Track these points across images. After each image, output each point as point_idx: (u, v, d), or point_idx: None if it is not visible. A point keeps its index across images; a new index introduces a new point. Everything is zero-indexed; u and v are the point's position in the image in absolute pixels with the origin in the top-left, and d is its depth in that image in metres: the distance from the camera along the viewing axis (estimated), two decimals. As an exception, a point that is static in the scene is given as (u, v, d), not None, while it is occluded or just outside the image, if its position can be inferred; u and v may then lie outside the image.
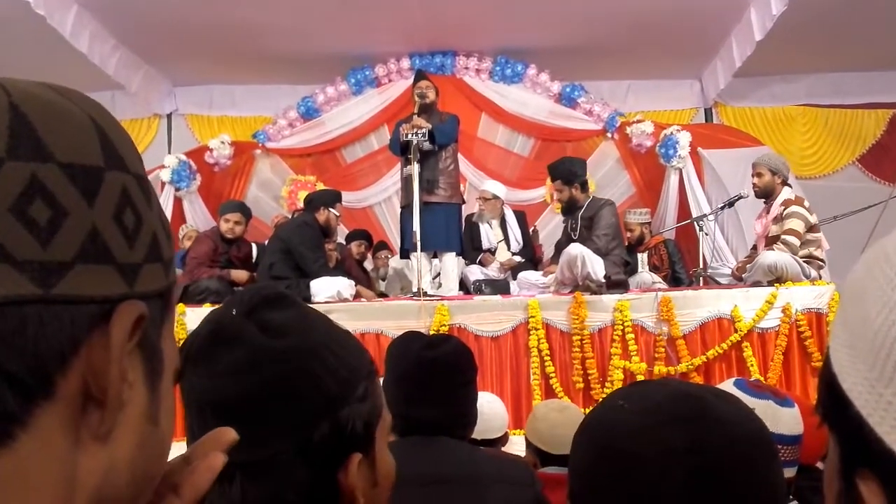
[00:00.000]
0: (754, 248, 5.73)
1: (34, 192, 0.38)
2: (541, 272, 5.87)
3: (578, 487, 0.86)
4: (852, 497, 0.51)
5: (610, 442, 0.83)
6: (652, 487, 0.78)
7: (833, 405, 0.53)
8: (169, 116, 8.47)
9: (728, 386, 1.71)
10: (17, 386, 0.37)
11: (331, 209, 5.84)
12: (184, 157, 7.58)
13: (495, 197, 6.59)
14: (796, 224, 5.17)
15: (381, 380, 1.55)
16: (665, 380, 0.93)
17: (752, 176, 5.51)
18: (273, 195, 8.18)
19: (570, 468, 0.89)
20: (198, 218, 7.61)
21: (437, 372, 1.63)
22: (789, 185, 5.46)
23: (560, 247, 5.89)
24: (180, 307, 5.12)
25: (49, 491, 0.39)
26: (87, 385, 0.40)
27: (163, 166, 7.42)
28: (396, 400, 1.50)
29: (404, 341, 1.75)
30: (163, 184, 7.38)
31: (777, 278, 5.04)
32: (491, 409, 3.01)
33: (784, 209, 5.24)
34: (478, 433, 2.89)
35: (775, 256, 5.05)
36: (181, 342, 0.77)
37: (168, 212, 7.37)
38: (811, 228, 5.24)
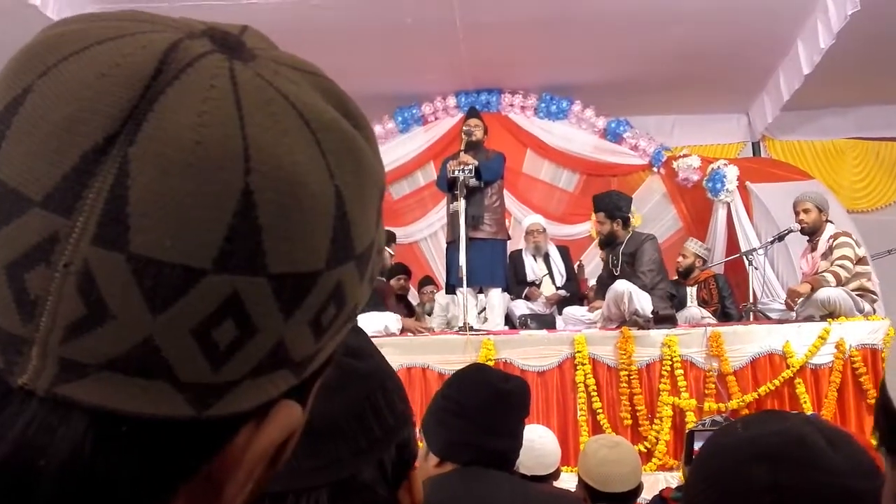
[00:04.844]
0: (802, 288, 5.66)
1: (227, 312, 0.31)
2: (586, 308, 5.84)
3: None
4: None
5: (703, 467, 0.88)
6: None
7: (889, 428, 0.54)
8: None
9: None
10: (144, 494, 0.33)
11: (385, 248, 5.95)
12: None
13: (545, 229, 6.65)
14: (847, 251, 5.12)
15: (441, 409, 1.58)
16: (800, 416, 0.93)
17: (798, 213, 5.45)
18: (321, 232, 8.30)
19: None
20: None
21: (512, 404, 1.66)
22: (831, 221, 5.43)
23: (602, 282, 5.87)
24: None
25: None
26: (210, 472, 0.35)
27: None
28: (470, 430, 1.53)
29: (478, 372, 1.74)
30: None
31: (830, 313, 4.95)
32: (543, 444, 3.00)
33: (833, 241, 5.19)
34: (529, 469, 2.88)
35: (828, 291, 4.96)
36: None
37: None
38: (860, 261, 5.16)
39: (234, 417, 0.34)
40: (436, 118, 8.02)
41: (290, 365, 0.34)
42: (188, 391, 0.31)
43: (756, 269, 5.94)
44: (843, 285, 5.06)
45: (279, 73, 0.34)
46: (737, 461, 0.83)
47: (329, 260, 0.33)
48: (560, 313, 6.04)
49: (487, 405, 1.61)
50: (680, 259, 6.52)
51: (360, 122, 0.37)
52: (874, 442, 0.60)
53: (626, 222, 5.68)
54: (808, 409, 4.66)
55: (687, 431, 3.63)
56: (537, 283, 6.49)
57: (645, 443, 4.76)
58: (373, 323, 5.26)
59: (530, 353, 5.00)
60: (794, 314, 5.31)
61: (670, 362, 4.87)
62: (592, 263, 7.64)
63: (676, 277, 6.45)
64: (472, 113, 6.24)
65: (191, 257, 0.30)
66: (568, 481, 3.38)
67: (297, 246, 0.32)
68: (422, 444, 1.60)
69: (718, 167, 7.42)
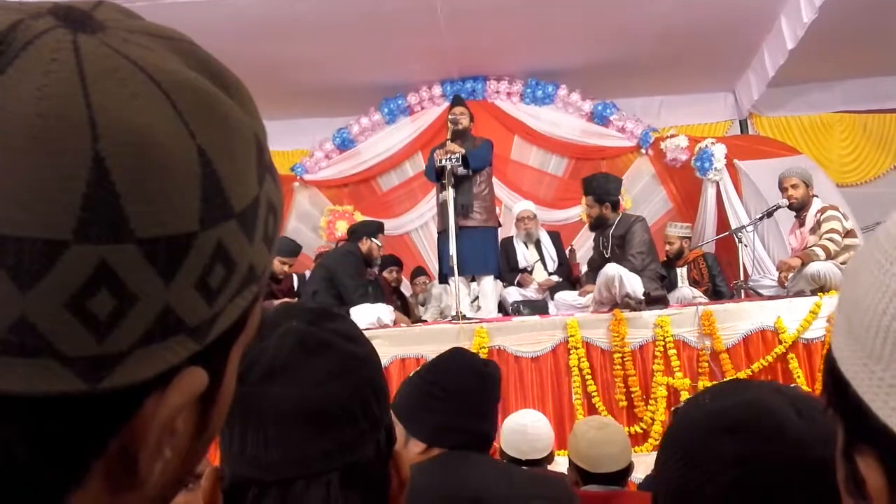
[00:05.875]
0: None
1: (99, 282, 0.30)
2: (577, 293, 5.85)
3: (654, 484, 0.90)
4: (855, 477, 0.53)
5: (672, 440, 0.87)
6: (698, 492, 0.79)
7: (835, 388, 0.54)
8: (208, 154, 8.67)
9: None
10: (53, 478, 0.33)
11: (373, 239, 5.97)
12: (224, 193, 7.72)
13: (535, 215, 6.65)
14: (835, 224, 5.15)
15: (426, 394, 1.59)
16: (770, 385, 0.90)
17: (787, 189, 5.48)
18: (312, 226, 8.29)
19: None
20: (240, 251, 7.74)
21: (492, 387, 1.67)
22: (817, 196, 5.49)
23: (592, 265, 5.88)
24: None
25: None
26: (124, 445, 0.35)
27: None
28: (457, 413, 1.54)
29: (460, 356, 1.75)
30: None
31: (820, 287, 4.96)
32: (536, 428, 3.01)
33: (821, 215, 5.22)
34: (523, 453, 2.89)
35: (818, 265, 4.98)
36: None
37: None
38: (848, 233, 5.18)
39: (135, 388, 0.33)
40: (422, 108, 8.01)
41: (185, 330, 0.34)
42: (75, 365, 0.31)
43: (746, 246, 5.95)
44: (832, 258, 5.07)
45: (129, 41, 0.33)
46: (703, 434, 0.82)
47: (203, 220, 0.33)
48: (552, 298, 6.05)
49: (473, 389, 1.63)
50: (667, 247, 6.52)
51: (226, 81, 0.37)
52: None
53: (615, 205, 5.68)
54: (802, 384, 4.68)
55: (672, 410, 3.63)
56: (529, 269, 6.50)
57: (640, 423, 4.77)
58: (365, 315, 5.26)
59: (524, 340, 5.00)
60: (785, 290, 5.33)
61: (663, 343, 4.87)
62: (584, 248, 7.64)
63: (667, 259, 6.46)
64: (457, 101, 6.23)
65: (49, 230, 0.29)
66: (563, 465, 3.39)
67: (162, 208, 0.32)
68: (399, 431, 1.60)
69: (706, 146, 7.43)
